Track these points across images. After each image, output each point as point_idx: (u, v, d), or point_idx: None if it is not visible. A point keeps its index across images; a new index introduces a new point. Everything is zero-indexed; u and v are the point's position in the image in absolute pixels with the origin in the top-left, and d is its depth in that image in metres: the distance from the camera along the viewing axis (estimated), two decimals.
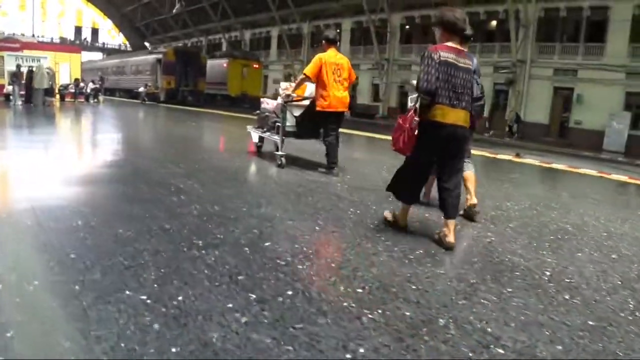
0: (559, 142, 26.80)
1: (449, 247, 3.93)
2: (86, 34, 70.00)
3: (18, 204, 4.50)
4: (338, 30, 41.52)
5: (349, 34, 41.03)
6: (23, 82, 20.81)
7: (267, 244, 3.67)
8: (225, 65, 36.08)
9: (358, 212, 4.94)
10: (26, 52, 24.52)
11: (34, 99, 20.39)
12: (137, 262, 3.05)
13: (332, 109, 6.72)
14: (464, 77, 3.91)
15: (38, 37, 53.80)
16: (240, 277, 2.95)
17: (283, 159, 7.19)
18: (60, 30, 66.38)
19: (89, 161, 8.28)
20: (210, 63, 35.99)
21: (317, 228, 4.24)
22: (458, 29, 3.94)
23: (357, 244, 3.87)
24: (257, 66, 37.84)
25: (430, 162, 4.14)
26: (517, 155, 13.85)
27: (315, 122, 7.02)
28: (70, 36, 66.24)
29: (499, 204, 6.04)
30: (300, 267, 3.24)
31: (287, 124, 7.21)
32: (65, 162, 7.70)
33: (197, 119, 19.07)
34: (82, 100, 27.11)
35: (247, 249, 3.50)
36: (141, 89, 31.32)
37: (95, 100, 27.67)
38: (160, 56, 33.52)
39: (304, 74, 6.79)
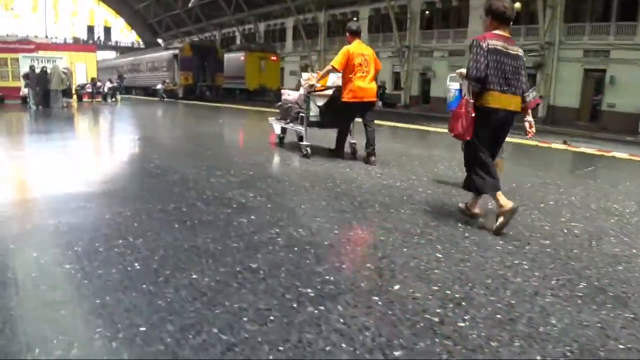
0: (591, 126, 25.59)
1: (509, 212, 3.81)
2: (99, 33, 69.26)
3: (52, 238, 3.48)
4: (355, 19, 40.46)
5: (366, 21, 39.70)
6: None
7: (396, 287, 2.70)
8: (242, 58, 34.65)
9: (469, 227, 3.99)
10: (41, 53, 23.66)
11: (52, 101, 19.49)
12: (239, 335, 2.09)
13: (357, 99, 6.72)
14: (513, 64, 3.93)
15: (51, 38, 53.08)
16: (397, 353, 1.99)
17: (308, 149, 7.18)
18: (73, 31, 65.84)
19: (123, 171, 7.24)
20: (227, 57, 34.68)
21: (440, 256, 3.26)
22: (506, 17, 3.97)
23: (504, 278, 2.93)
24: (274, 58, 36.44)
25: (486, 145, 4.03)
26: (565, 142, 12.74)
27: (339, 112, 7.03)
28: (83, 36, 65.58)
29: (607, 207, 5.06)
30: (462, 324, 2.31)
31: (311, 114, 7.22)
32: (95, 172, 6.75)
33: (221, 116, 17.96)
34: (100, 99, 26.24)
35: (376, 298, 2.53)
36: (159, 86, 30.09)
37: (113, 99, 26.78)
38: (176, 52, 32.35)
39: (332, 66, 6.78)
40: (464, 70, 4.28)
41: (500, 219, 3.84)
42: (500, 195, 3.92)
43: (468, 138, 3.98)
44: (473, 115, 3.87)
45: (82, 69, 25.97)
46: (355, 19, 40.56)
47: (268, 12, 48.85)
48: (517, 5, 30.40)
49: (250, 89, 34.64)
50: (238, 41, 52.42)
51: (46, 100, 19.71)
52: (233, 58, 34.98)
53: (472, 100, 3.88)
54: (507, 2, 3.94)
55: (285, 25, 48.22)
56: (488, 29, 4.02)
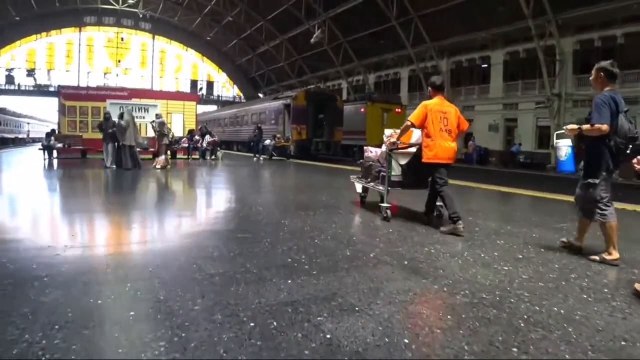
0: None
1: None
2: (202, 88, 68.97)
3: None
4: (486, 65, 34.76)
5: (500, 67, 33.81)
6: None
7: None
8: (362, 110, 29.10)
9: None
10: (134, 101, 19.78)
11: (124, 160, 15.05)
12: None
13: (437, 160, 6.17)
14: None
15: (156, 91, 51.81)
16: None
17: (389, 211, 6.61)
18: (177, 85, 65.38)
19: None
20: (345, 108, 29.43)
21: None
22: None
23: None
24: (399, 110, 30.45)
25: None
26: None
27: (422, 172, 6.54)
28: (187, 89, 64.62)
29: None
30: None
31: (393, 173, 6.79)
32: None
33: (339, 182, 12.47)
34: (196, 156, 22.27)
35: None
36: (267, 142, 24.64)
37: (213, 157, 22.32)
38: (288, 101, 27.34)
39: (409, 121, 6.30)
40: (574, 126, 4.65)
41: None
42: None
43: None
44: None
45: (179, 120, 21.91)
46: (485, 65, 34.99)
47: (380, 61, 44.41)
48: None
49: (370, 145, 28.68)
50: (345, 93, 47.90)
51: (120, 158, 15.28)
52: (351, 109, 29.50)
53: None
54: None
55: (400, 75, 43.22)
56: None
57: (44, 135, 21.14)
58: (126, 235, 5.65)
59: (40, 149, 20.18)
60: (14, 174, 14.29)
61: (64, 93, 21.54)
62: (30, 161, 19.37)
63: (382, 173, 6.89)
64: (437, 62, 37.66)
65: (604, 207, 4.62)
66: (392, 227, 6.14)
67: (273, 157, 23.06)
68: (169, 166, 15.72)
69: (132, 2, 57.88)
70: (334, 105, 27.90)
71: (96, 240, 5.37)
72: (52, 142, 19.09)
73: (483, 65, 35.52)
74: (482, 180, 14.41)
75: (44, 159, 18.98)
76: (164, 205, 8.67)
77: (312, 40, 39.40)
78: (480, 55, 35.61)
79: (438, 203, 6.78)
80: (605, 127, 4.36)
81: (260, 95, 63.57)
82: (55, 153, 19.95)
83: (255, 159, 22.59)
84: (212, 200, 9.71)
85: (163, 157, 15.68)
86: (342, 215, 7.21)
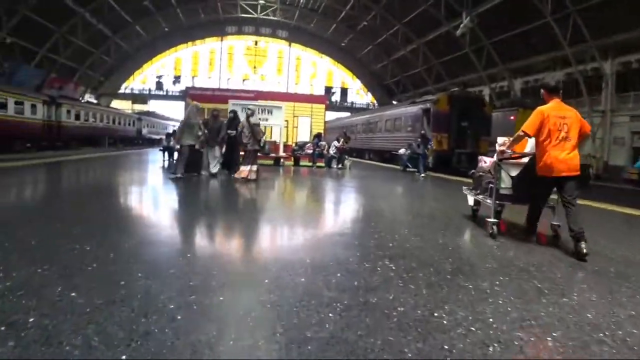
0: None
1: None
2: (336, 94, 68.49)
3: None
4: None
5: None
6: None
7: None
8: (512, 118, 24.78)
9: None
10: (261, 102, 18.34)
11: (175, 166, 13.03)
12: None
13: (554, 174, 5.34)
14: None
15: None
16: None
17: (495, 227, 5.84)
18: (312, 91, 65.25)
19: None
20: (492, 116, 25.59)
21: None
22: None
23: None
24: None
25: None
26: None
27: (534, 185, 5.65)
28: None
29: None
30: None
31: (502, 185, 6.03)
32: None
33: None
34: (322, 164, 20.42)
35: None
36: (401, 151, 20.87)
37: (340, 165, 20.02)
38: (427, 105, 24.12)
39: (522, 131, 5.53)
40: None
41: None
42: None
43: None
44: None
45: (306, 123, 20.14)
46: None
47: (528, 64, 39.43)
48: None
49: None
50: (487, 100, 43.53)
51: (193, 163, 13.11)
52: (499, 117, 25.36)
53: None
54: None
55: (553, 80, 37.95)
56: None
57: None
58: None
59: (160, 150, 19.50)
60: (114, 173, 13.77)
61: (191, 94, 20.99)
62: (151, 162, 19.30)
63: (490, 185, 6.23)
64: (600, 63, 32.32)
65: None
66: None
67: (407, 170, 20.02)
68: (255, 178, 12.58)
69: (269, 8, 58.56)
70: (481, 112, 23.99)
71: None
72: (171, 143, 18.09)
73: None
74: None
75: (163, 161, 18.28)
76: (216, 244, 5.55)
77: (458, 32, 35.62)
78: None
79: (554, 222, 6.06)
80: None
81: (394, 102, 60.74)
82: (176, 155, 19.03)
83: (417, 174, 18.60)
84: (309, 243, 5.60)
85: (249, 167, 12.58)
86: (548, 295, 3.79)
